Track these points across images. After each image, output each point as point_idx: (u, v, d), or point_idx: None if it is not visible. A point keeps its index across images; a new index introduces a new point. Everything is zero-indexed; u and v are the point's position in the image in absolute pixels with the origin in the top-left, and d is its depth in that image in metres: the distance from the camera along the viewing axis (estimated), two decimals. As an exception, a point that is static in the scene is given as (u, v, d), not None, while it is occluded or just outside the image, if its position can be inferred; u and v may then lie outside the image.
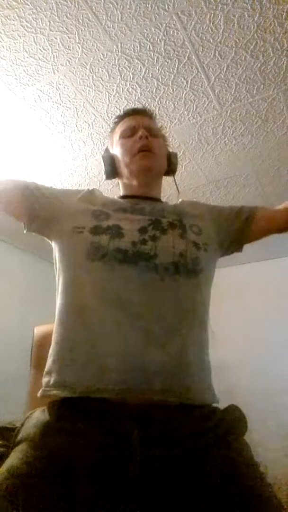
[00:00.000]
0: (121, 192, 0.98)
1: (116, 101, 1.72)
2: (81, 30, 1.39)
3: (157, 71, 1.57)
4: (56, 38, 1.42)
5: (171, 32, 1.40)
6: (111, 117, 1.74)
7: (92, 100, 1.72)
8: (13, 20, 1.34)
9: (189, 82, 1.62)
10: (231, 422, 0.69)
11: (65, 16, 1.34)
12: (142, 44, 1.45)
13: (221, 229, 0.89)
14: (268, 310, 3.25)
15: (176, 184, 0.97)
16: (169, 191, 1.08)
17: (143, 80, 1.61)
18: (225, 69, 1.55)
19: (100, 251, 0.73)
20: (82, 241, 0.75)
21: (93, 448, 0.59)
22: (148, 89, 1.66)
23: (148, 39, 1.43)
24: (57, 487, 0.56)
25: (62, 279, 0.78)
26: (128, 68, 1.56)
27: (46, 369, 0.70)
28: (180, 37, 1.42)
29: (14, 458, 0.61)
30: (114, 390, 0.62)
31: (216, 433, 0.65)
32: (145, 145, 0.88)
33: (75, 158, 2.12)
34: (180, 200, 0.95)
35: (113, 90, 1.66)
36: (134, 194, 0.92)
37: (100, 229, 0.76)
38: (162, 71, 1.57)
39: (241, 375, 2.97)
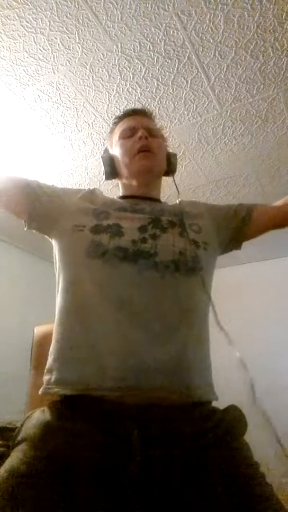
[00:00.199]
0: (120, 192, 0.98)
1: (116, 101, 1.72)
2: (81, 30, 1.39)
3: (157, 71, 1.57)
4: (56, 38, 1.42)
5: (171, 32, 1.40)
6: (111, 117, 1.74)
7: (92, 100, 1.72)
8: (13, 20, 1.34)
9: (189, 82, 1.62)
10: (231, 422, 0.69)
11: (65, 16, 1.34)
12: (142, 44, 1.45)
13: (220, 228, 0.89)
14: (268, 310, 3.25)
15: (176, 185, 0.97)
16: (169, 191, 1.08)
17: (143, 80, 1.61)
18: (225, 69, 1.55)
19: (100, 249, 0.73)
20: (83, 240, 0.75)
21: (93, 448, 0.59)
22: (148, 89, 1.66)
23: (148, 39, 1.43)
24: (57, 487, 0.56)
25: (62, 277, 0.78)
26: (128, 68, 1.56)
27: (47, 367, 0.70)
28: (180, 37, 1.42)
29: (14, 458, 0.61)
30: (114, 388, 0.62)
31: (216, 433, 0.65)
32: (144, 145, 0.88)
33: (75, 158, 2.12)
34: (179, 200, 0.95)
35: (113, 90, 1.66)
36: (134, 194, 0.92)
37: (101, 228, 0.77)
38: (162, 71, 1.57)
39: (241, 375, 2.97)
